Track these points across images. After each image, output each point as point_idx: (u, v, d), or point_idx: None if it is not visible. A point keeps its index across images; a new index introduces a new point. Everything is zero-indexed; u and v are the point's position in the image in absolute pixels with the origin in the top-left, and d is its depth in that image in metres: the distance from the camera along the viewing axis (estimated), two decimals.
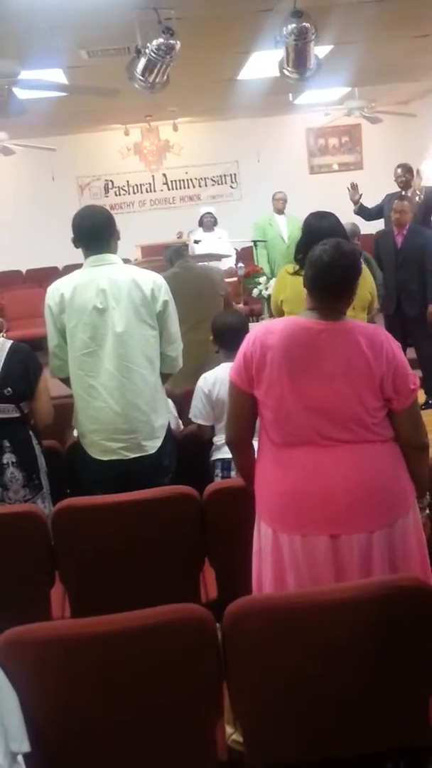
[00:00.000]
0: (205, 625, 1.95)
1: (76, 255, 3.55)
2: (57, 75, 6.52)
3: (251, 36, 5.75)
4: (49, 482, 3.46)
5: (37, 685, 1.96)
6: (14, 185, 11.78)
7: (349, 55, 6.87)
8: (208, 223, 9.84)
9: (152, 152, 12.16)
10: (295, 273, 4.13)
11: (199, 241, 9.04)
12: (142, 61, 4.80)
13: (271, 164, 11.78)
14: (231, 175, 12.41)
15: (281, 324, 2.60)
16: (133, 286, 3.37)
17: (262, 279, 8.12)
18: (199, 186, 12.39)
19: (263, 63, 6.54)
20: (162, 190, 12.36)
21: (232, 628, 1.99)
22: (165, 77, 4.97)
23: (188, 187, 12.37)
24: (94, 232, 3.41)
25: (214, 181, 12.41)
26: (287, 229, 8.69)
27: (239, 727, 2.15)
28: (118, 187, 12.24)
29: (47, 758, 1.97)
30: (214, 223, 9.85)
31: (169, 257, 5.58)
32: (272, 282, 6.12)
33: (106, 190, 12.09)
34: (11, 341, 3.45)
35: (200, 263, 6.31)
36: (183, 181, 12.33)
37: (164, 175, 12.30)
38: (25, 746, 1.94)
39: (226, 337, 3.68)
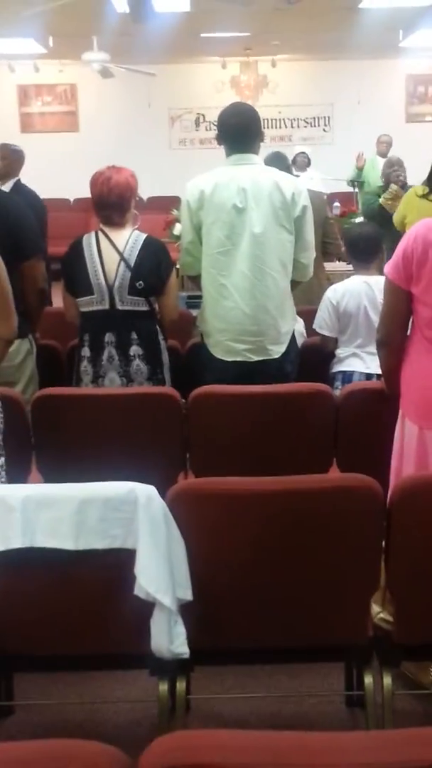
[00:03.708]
0: (376, 494, 1.95)
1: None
2: None
3: None
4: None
5: (201, 538, 1.98)
6: (113, 109, 11.69)
7: None
8: (301, 162, 9.70)
9: (249, 87, 11.97)
10: (424, 196, 4.06)
11: None
12: None
13: (367, 110, 11.52)
14: (325, 117, 12.18)
15: None
16: (274, 189, 3.33)
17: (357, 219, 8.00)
18: (292, 127, 12.18)
19: None
20: None
21: (400, 502, 1.99)
22: None
23: (280, 127, 12.16)
24: (240, 130, 3.37)
25: (307, 123, 12.19)
26: None
27: (387, 606, 2.17)
28: (209, 121, 12.06)
29: (204, 609, 2.00)
30: (308, 163, 9.73)
31: (270, 160, 5.14)
32: None
33: (197, 123, 11.96)
34: (145, 234, 3.45)
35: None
36: (276, 120, 12.11)
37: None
38: (189, 595, 1.98)
39: (361, 247, 3.63)
